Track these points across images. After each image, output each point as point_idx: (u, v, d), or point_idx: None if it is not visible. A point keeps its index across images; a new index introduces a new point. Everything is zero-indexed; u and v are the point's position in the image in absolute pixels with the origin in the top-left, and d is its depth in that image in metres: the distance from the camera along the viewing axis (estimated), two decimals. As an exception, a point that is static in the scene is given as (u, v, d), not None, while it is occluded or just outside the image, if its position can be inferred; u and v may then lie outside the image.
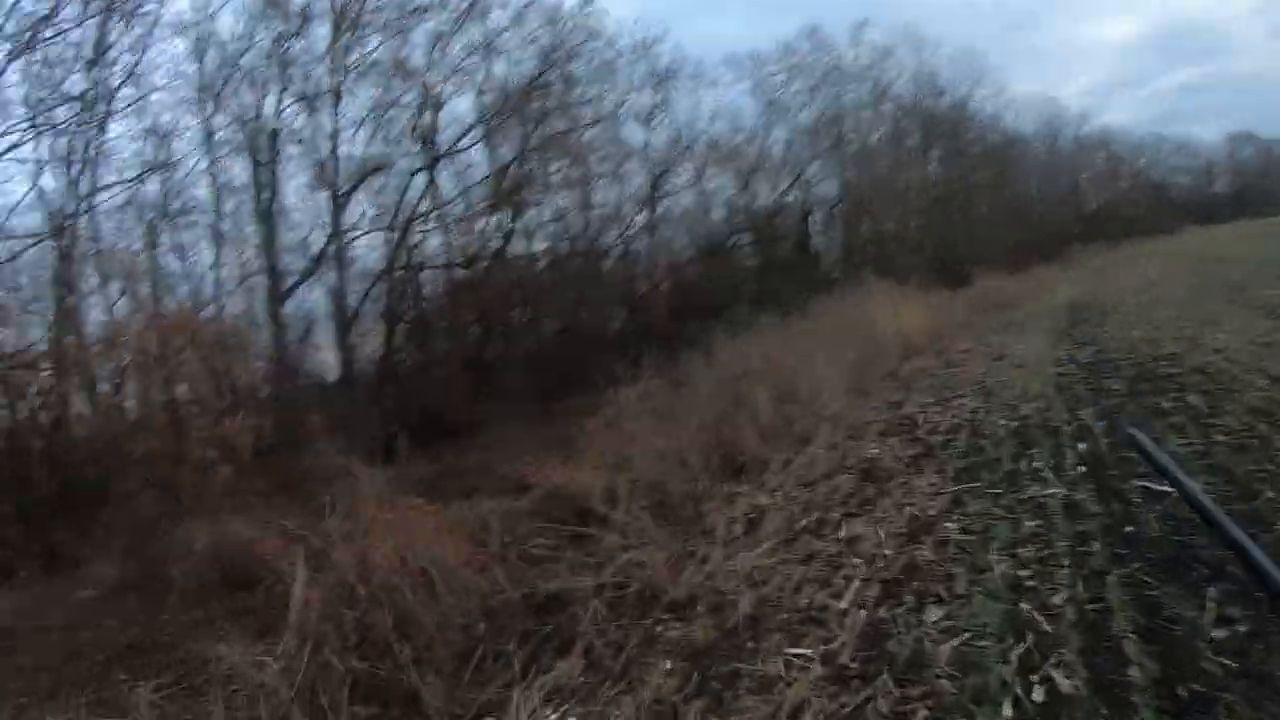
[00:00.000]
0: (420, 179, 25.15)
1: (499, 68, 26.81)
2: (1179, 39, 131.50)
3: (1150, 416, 8.60)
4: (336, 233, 22.54)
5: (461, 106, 26.36)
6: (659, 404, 13.16)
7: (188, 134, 20.75)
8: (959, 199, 41.52)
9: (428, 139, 24.74)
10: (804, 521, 7.55)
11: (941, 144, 43.08)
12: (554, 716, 5.13)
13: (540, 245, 29.10)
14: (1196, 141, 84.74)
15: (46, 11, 16.92)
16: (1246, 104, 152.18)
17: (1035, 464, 7.81)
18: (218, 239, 21.30)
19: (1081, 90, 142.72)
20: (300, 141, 22.42)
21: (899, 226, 38.20)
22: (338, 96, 22.49)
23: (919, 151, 42.29)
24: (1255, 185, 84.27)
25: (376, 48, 23.06)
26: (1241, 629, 4.11)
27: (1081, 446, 8.04)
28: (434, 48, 24.63)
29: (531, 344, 25.81)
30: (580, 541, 8.25)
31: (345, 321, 22.64)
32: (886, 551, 6.31)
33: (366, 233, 23.68)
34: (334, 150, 22.57)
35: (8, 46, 16.80)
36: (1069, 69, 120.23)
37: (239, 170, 21.92)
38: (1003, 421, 9.85)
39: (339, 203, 22.66)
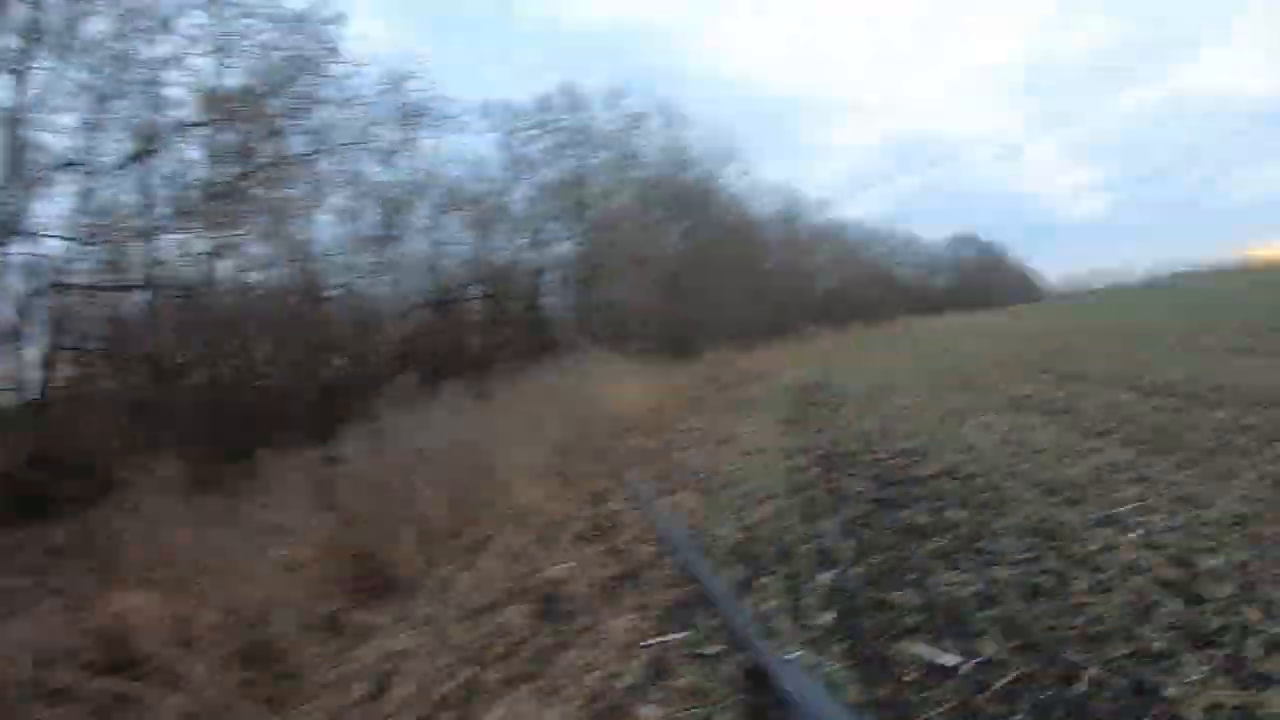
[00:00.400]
0: (122, 183, 21.54)
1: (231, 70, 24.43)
2: (913, 149, 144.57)
3: (908, 538, 6.71)
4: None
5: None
6: (322, 479, 11.00)
7: None
8: (698, 273, 42.37)
9: (145, 138, 21.81)
10: (447, 687, 5.28)
11: (686, 217, 44.01)
12: None
13: (252, 275, 26.95)
14: (923, 239, 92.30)
15: None
16: (969, 211, 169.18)
17: (766, 604, 5.74)
18: None
19: (822, 185, 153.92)
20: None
21: (635, 295, 38.46)
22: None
23: (663, 222, 42.98)
24: (971, 282, 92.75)
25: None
26: None
27: (825, 577, 6.07)
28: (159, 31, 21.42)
29: (213, 390, 22.69)
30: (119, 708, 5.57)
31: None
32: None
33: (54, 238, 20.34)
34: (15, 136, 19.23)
35: None
36: (813, 165, 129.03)
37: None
38: (725, 532, 7.84)
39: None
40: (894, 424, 13.29)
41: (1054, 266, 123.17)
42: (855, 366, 26.15)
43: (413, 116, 31.46)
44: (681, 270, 42.26)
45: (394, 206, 31.57)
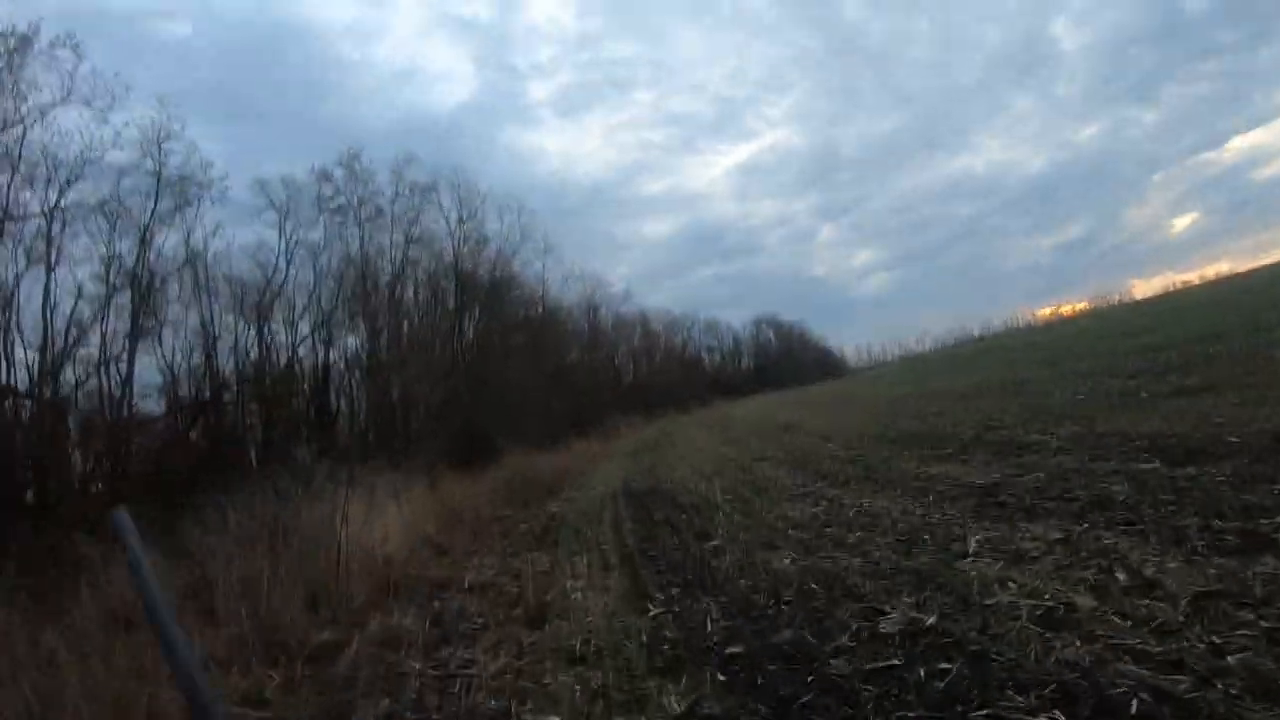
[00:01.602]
0: None
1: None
2: (710, 239, 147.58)
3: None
4: None
5: None
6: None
7: None
8: (494, 365, 38.76)
9: None
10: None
11: (481, 304, 40.41)
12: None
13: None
14: (725, 323, 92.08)
15: None
16: (768, 294, 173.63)
17: None
18: None
19: (623, 276, 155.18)
20: None
21: (422, 392, 34.38)
22: None
23: (455, 310, 39.21)
24: (775, 362, 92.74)
25: None
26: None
27: None
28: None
29: None
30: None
31: None
32: None
33: None
34: None
35: None
36: (610, 258, 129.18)
37: None
38: None
39: None
40: (759, 552, 8.72)
41: (851, 341, 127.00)
42: (674, 461, 22.25)
43: (171, 185, 27.39)
44: (476, 362, 38.74)
45: (143, 289, 27.03)
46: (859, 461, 14.11)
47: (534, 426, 33.80)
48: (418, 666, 6.85)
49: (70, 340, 24.72)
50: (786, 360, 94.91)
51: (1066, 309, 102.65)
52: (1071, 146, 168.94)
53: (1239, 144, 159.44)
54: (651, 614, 7.22)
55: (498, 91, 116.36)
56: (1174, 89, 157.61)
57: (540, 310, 46.26)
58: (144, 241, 27.04)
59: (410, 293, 37.43)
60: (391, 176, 35.67)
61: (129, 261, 26.63)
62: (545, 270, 46.31)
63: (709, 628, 6.48)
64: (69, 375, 24.92)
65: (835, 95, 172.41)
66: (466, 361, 38.24)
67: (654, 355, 70.69)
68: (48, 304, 24.17)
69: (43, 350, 23.74)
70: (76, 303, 25.26)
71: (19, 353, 23.39)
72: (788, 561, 7.98)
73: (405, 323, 36.78)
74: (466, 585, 10.05)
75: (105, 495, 22.40)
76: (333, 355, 34.85)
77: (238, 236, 37.73)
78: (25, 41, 21.79)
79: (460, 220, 39.43)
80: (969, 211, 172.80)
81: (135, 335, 27.05)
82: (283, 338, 33.10)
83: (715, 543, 9.73)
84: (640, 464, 23.21)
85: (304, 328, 33.63)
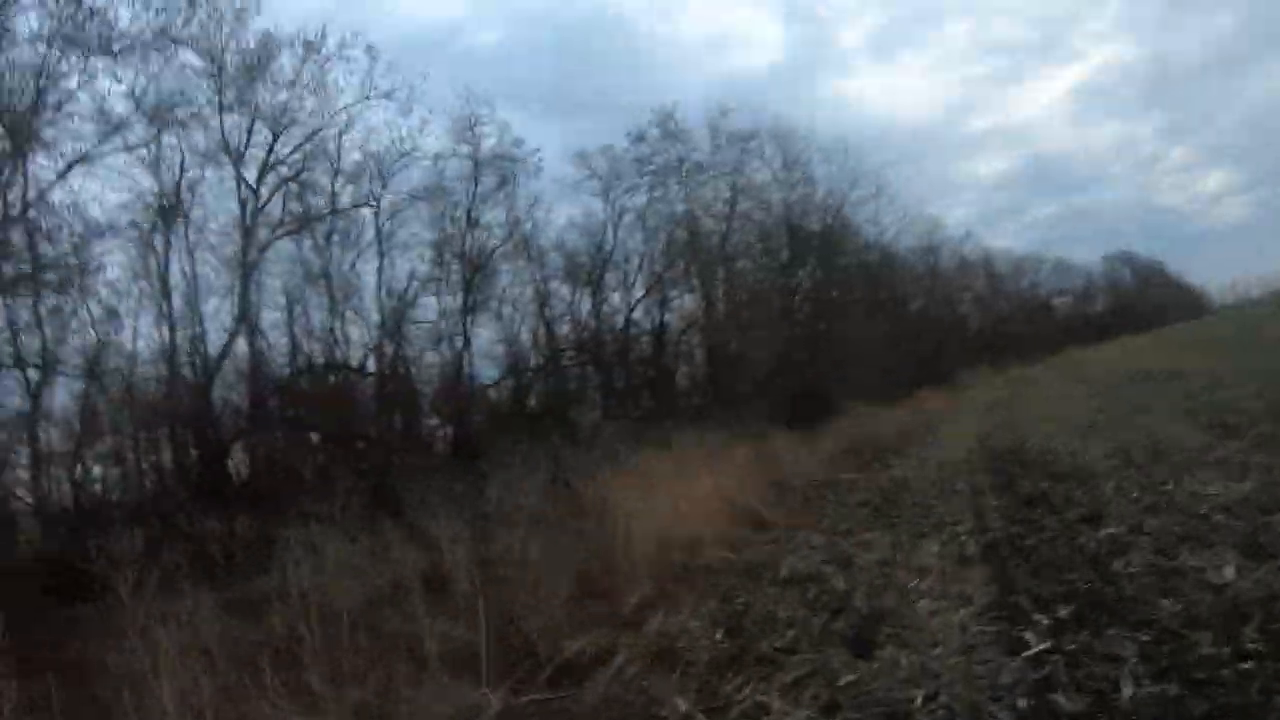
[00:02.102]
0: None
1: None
2: (1048, 174, 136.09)
3: None
4: None
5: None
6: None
7: None
8: (832, 319, 36.92)
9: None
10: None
11: (814, 255, 38.59)
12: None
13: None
14: (1075, 263, 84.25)
15: None
16: (1114, 230, 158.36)
17: None
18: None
19: (960, 220, 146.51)
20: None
21: (759, 348, 33.25)
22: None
23: (787, 263, 37.62)
24: (1132, 304, 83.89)
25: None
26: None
27: None
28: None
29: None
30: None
31: None
32: None
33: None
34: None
35: None
36: (943, 203, 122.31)
37: None
38: None
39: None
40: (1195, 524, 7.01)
41: (1211, 276, 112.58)
42: (1040, 415, 19.86)
43: (488, 163, 27.87)
44: (810, 315, 37.06)
45: (479, 265, 27.73)
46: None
47: (873, 382, 31.74)
48: (683, 708, 5.07)
49: (405, 317, 25.66)
50: (1145, 300, 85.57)
51: None
52: None
53: None
54: (1030, 653, 4.79)
55: (808, 44, 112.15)
56: None
57: (876, 257, 43.40)
58: (469, 220, 27.58)
59: (740, 247, 36.00)
60: (709, 131, 34.12)
61: (457, 242, 27.39)
62: (879, 214, 43.09)
63: (1126, 693, 3.97)
64: (408, 351, 26.00)
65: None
66: (801, 315, 36.57)
67: (1000, 301, 65.64)
68: (381, 287, 25.09)
69: (381, 327, 24.72)
70: (410, 283, 25.97)
71: (356, 333, 24.46)
72: (1231, 571, 5.43)
73: (736, 278, 35.49)
74: (783, 575, 8.37)
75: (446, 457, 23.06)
76: (667, 317, 34.38)
77: (564, 211, 37.99)
78: (311, 47, 22.22)
79: (785, 167, 37.22)
80: None
81: (468, 308, 27.74)
82: (617, 302, 33.06)
83: (1111, 530, 7.48)
84: (995, 419, 20.75)
85: (638, 291, 33.36)
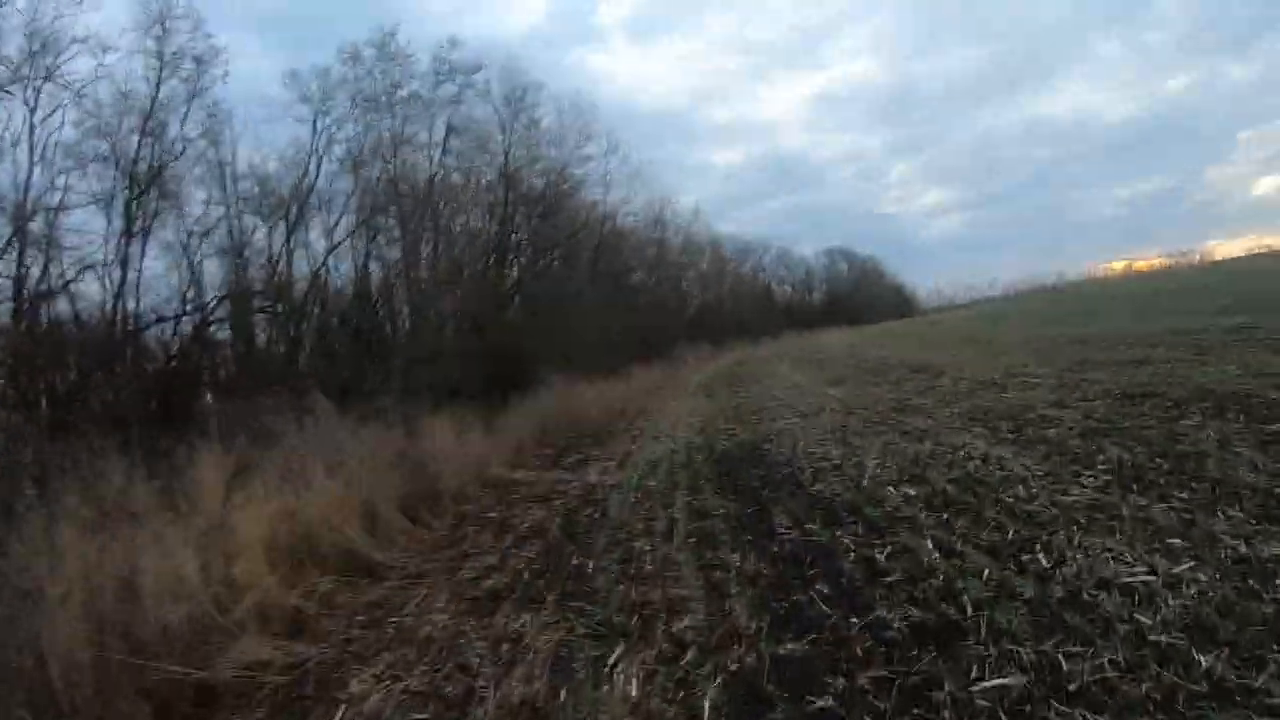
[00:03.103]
0: None
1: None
2: (781, 171, 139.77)
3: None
4: None
5: None
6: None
7: None
8: (545, 280, 32.82)
9: None
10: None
11: (535, 212, 34.16)
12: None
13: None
14: (797, 252, 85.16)
15: None
16: (836, 230, 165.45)
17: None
18: None
19: (691, 207, 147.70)
20: None
21: (468, 309, 28.51)
22: None
23: (502, 218, 32.98)
24: (847, 297, 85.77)
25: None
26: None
27: None
28: None
29: None
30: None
31: None
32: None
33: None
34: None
35: None
36: (678, 188, 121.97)
37: None
38: None
39: None
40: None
41: (920, 281, 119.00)
42: (770, 399, 16.56)
43: (175, 63, 21.86)
44: (529, 278, 32.85)
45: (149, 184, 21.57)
46: (1113, 430, 8.13)
47: (589, 354, 27.99)
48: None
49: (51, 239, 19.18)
50: (859, 295, 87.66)
51: (1141, 264, 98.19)
52: (1158, 97, 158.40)
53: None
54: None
55: (569, 15, 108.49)
56: (1271, 44, 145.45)
57: (602, 224, 39.52)
58: (145, 129, 21.41)
59: (451, 194, 31.13)
60: (432, 60, 28.89)
61: (129, 151, 21.18)
62: (609, 175, 39.02)
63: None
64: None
65: (914, 27, 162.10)
66: (514, 275, 32.29)
67: (724, 282, 64.14)
68: (26, 198, 18.62)
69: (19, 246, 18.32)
70: (60, 194, 19.55)
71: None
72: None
73: (445, 230, 30.61)
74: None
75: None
76: (372, 267, 28.99)
77: (273, 137, 31.50)
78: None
79: (511, 110, 32.51)
80: (1047, 156, 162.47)
81: (129, 234, 21.56)
82: (320, 248, 27.35)
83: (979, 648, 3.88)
84: (721, 405, 17.20)
85: (338, 235, 27.82)
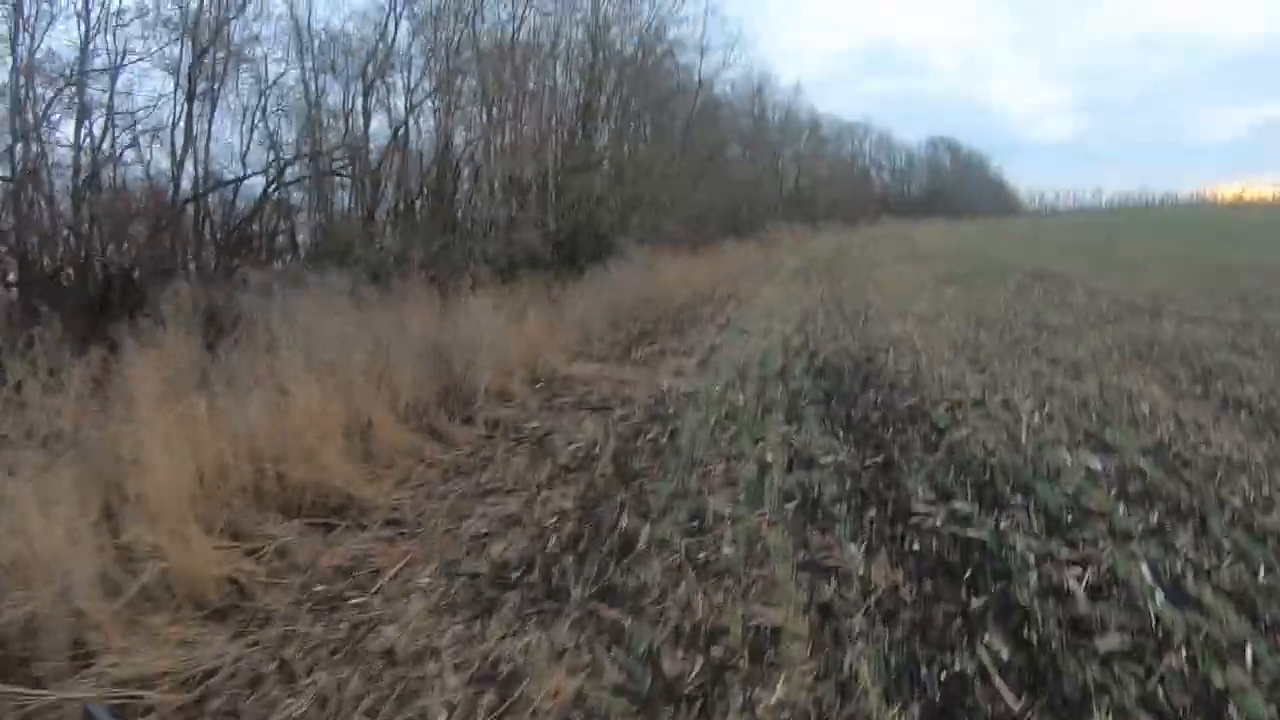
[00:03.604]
0: None
1: None
2: (883, 54, 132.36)
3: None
4: None
5: None
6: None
7: None
8: (631, 145, 30.40)
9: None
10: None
11: (624, 75, 31.35)
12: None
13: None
14: (898, 140, 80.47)
15: None
16: (939, 119, 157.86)
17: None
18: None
19: (791, 83, 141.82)
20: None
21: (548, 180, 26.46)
22: None
23: (588, 81, 30.30)
24: (949, 188, 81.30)
25: None
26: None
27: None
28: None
29: None
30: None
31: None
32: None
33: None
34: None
35: None
36: (777, 67, 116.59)
37: None
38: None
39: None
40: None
41: (1020, 182, 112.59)
42: (878, 293, 14.28)
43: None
44: (611, 144, 30.41)
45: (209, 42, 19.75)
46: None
47: (677, 225, 25.84)
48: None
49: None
50: (961, 189, 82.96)
51: (1253, 193, 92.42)
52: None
53: None
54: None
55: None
56: None
57: (697, 91, 36.51)
58: None
59: (533, 52, 28.58)
60: None
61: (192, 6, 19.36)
62: (706, 38, 35.70)
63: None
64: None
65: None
66: (601, 143, 29.88)
67: (821, 163, 60.59)
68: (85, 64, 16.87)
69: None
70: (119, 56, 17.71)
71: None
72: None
73: (524, 95, 28.19)
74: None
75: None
76: (455, 129, 26.84)
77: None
78: None
79: None
80: (1165, 68, 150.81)
81: (191, 95, 19.86)
82: (400, 110, 25.32)
83: None
84: (822, 295, 15.05)
85: (418, 96, 25.69)
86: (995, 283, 15.05)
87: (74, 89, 16.17)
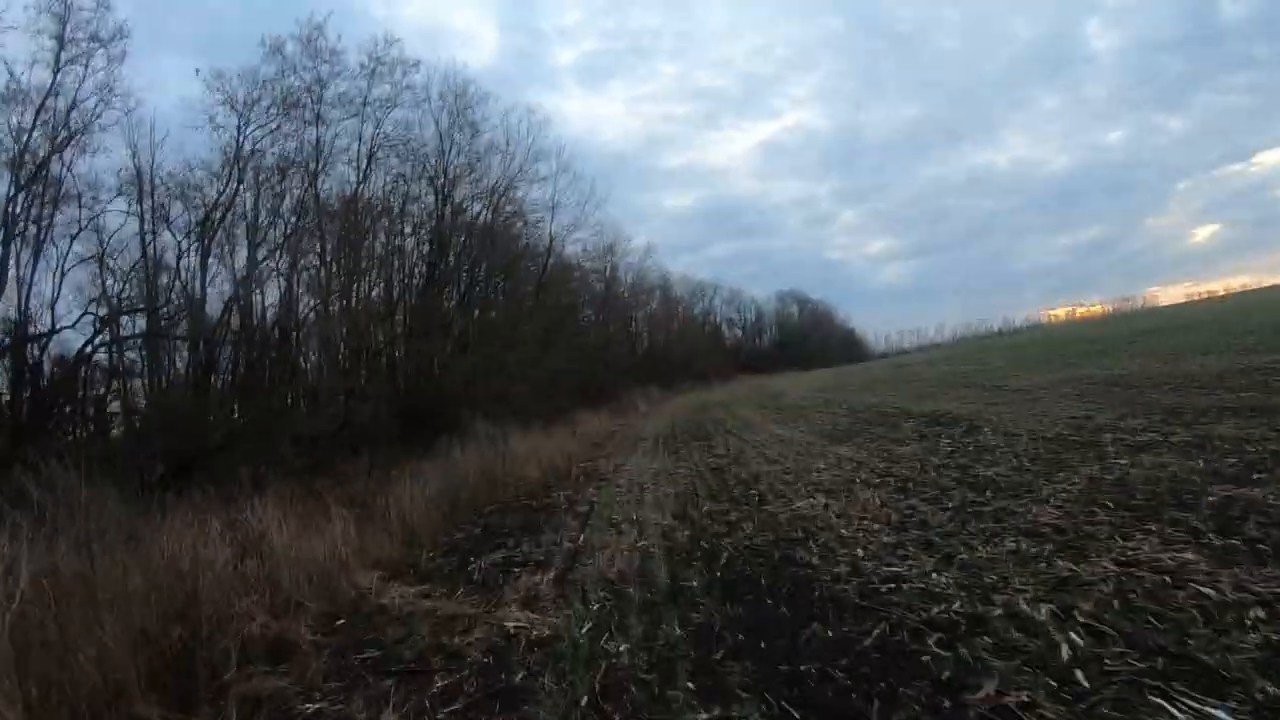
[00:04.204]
0: None
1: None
2: (730, 216, 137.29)
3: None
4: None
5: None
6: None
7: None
8: (484, 317, 28.04)
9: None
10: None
11: (473, 231, 29.14)
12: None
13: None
14: (748, 294, 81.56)
15: None
16: (785, 275, 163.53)
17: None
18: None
19: (642, 245, 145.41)
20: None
21: (385, 347, 23.64)
22: None
23: (434, 242, 28.01)
24: (798, 340, 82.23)
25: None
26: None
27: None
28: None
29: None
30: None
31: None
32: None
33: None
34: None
35: None
36: (631, 228, 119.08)
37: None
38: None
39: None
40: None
41: (866, 327, 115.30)
42: (760, 458, 12.26)
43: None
44: (461, 312, 28.09)
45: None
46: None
47: (527, 395, 23.53)
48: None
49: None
50: (812, 338, 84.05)
51: (1083, 310, 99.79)
52: (1097, 149, 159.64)
53: (1266, 159, 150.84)
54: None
55: (521, 55, 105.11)
56: (1204, 98, 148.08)
57: (549, 251, 34.79)
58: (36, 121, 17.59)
59: (380, 214, 26.47)
60: (366, 59, 24.45)
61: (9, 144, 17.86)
62: (557, 197, 34.42)
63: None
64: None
65: (861, 78, 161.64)
66: (445, 310, 27.57)
67: (673, 323, 60.04)
68: None
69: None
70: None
71: None
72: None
73: (369, 255, 25.89)
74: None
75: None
76: (297, 288, 24.30)
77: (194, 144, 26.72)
78: None
79: (451, 116, 27.83)
80: (989, 206, 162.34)
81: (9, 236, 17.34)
82: (240, 264, 22.76)
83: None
84: (697, 467, 12.73)
85: (260, 253, 23.17)
86: (890, 434, 13.16)
87: None
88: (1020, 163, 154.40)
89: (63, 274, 19.15)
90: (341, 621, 5.91)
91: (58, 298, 18.89)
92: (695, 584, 5.96)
